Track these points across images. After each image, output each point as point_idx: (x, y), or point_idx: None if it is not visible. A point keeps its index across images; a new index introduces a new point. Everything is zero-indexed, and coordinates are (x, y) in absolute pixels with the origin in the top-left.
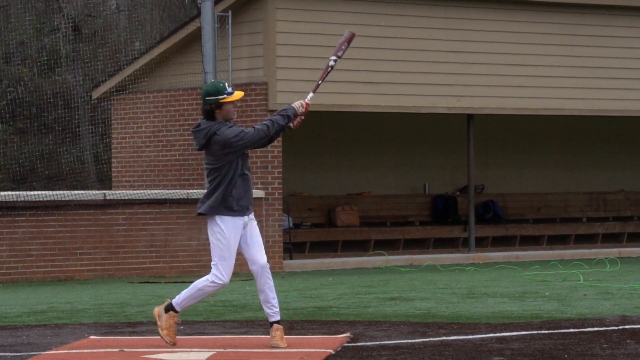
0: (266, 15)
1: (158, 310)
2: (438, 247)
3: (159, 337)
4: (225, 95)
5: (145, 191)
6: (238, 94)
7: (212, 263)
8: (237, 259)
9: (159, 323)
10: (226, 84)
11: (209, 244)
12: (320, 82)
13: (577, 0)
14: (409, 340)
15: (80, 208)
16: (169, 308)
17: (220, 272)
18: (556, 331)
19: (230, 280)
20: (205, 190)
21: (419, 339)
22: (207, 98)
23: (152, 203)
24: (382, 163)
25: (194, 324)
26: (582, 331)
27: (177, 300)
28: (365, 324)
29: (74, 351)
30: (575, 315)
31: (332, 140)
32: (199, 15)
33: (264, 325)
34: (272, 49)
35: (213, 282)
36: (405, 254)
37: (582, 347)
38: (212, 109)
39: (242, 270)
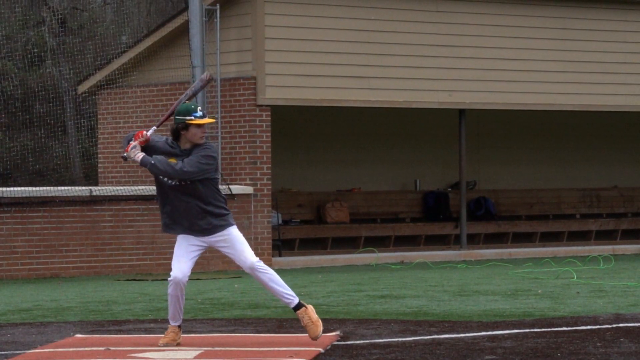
0: (255, 8)
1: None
2: (429, 244)
3: (148, 336)
4: (192, 118)
5: (132, 187)
6: (206, 120)
7: None
8: (222, 257)
9: None
10: (198, 108)
11: None
12: (165, 117)
13: None
14: (400, 339)
15: (66, 204)
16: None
17: (171, 270)
18: (549, 329)
19: (218, 278)
20: None
21: (410, 337)
22: (176, 117)
23: (139, 199)
24: (373, 159)
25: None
26: (575, 329)
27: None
28: (355, 322)
29: (59, 350)
30: (568, 313)
31: (321, 135)
32: (186, 8)
33: (253, 324)
34: (260, 43)
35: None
36: (396, 251)
37: (575, 345)
38: (178, 128)
39: (229, 267)
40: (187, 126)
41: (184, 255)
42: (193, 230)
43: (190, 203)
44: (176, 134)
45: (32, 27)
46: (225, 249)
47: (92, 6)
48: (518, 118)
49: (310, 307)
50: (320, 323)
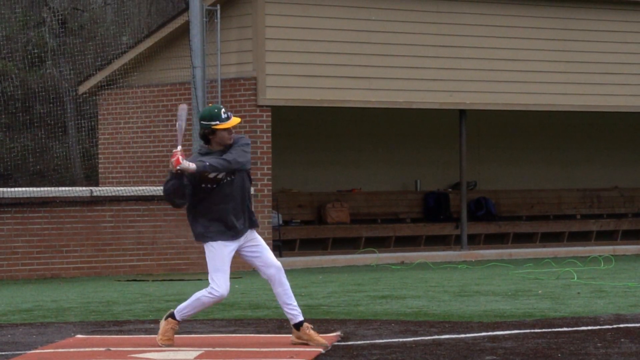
0: (255, 9)
1: (161, 321)
2: (429, 244)
3: (148, 336)
4: (217, 122)
5: (132, 188)
6: (233, 121)
7: (208, 276)
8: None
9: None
10: (222, 110)
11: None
12: (180, 138)
13: None
14: (400, 339)
15: (67, 205)
16: (170, 316)
17: (215, 284)
18: (549, 330)
19: None
20: None
21: (411, 337)
22: (201, 122)
23: (139, 200)
24: (373, 159)
25: (182, 322)
26: (576, 330)
27: (178, 308)
28: (355, 322)
29: (59, 350)
30: (569, 313)
31: (322, 136)
32: (187, 9)
33: (253, 324)
34: (261, 44)
35: (210, 293)
36: (397, 252)
37: (576, 346)
38: (205, 133)
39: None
40: (214, 131)
41: (227, 271)
42: (230, 233)
43: (228, 205)
44: (205, 138)
45: (33, 27)
46: (254, 247)
47: (93, 7)
48: (518, 118)
49: None
50: (321, 338)
